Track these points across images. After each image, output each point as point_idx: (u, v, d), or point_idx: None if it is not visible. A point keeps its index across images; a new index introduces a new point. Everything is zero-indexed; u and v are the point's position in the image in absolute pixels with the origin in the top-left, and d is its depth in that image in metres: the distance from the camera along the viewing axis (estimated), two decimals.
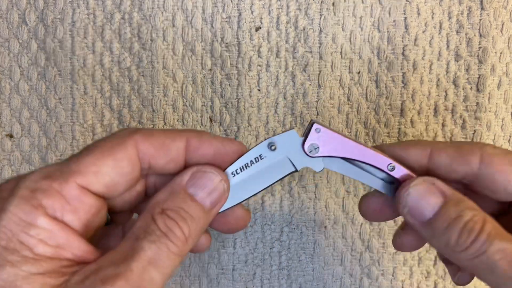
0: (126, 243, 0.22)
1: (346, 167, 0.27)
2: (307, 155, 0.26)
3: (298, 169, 0.26)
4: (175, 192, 0.24)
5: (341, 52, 0.36)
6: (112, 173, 0.23)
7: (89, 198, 0.23)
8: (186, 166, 0.25)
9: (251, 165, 0.26)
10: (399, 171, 0.26)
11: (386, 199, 0.27)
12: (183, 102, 0.37)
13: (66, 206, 0.22)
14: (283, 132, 0.26)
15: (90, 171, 0.23)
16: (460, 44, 0.36)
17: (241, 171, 0.26)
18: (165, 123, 0.37)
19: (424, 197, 0.25)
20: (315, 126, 0.26)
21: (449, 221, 0.24)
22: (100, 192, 0.23)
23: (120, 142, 0.24)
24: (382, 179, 0.27)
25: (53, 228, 0.21)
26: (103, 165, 0.23)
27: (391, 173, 0.26)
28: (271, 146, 0.26)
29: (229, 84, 0.37)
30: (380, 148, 0.27)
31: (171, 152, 0.25)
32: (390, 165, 0.26)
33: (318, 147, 0.26)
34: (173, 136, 0.25)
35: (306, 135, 0.26)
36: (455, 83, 0.37)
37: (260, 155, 0.26)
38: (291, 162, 0.26)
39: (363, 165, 0.27)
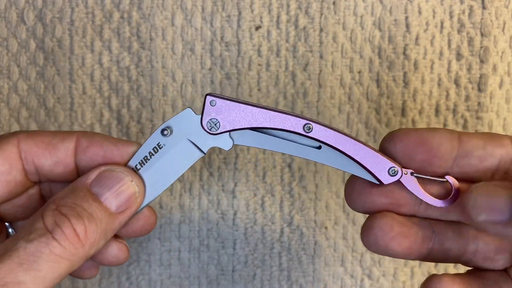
0: (1, 245, 0.20)
1: (262, 140, 0.23)
2: (209, 133, 0.23)
3: (205, 152, 0.24)
4: (76, 190, 0.21)
5: (341, 51, 0.36)
6: None
7: None
8: (77, 171, 0.23)
9: (151, 157, 0.23)
10: (319, 131, 0.22)
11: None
12: (183, 101, 0.37)
13: None
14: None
15: None
16: (462, 43, 0.36)
17: (142, 166, 0.23)
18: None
19: (491, 197, 0.21)
20: (208, 98, 0.23)
21: None
22: None
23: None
24: (309, 146, 0.23)
25: None
26: None
27: (309, 134, 0.22)
28: (165, 132, 0.23)
29: (229, 84, 0.36)
30: (401, 134, 0.23)
31: (59, 153, 0.23)
32: (307, 125, 0.22)
33: (218, 122, 0.23)
34: (61, 136, 0.23)
35: (202, 111, 0.23)
36: (456, 82, 0.36)
37: (158, 144, 0.23)
38: (195, 145, 0.23)
39: (279, 133, 0.23)
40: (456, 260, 0.25)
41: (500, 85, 0.36)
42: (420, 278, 0.37)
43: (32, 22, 0.36)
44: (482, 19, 0.36)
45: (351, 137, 0.23)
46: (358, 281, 0.38)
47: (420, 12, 0.36)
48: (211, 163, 0.37)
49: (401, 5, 0.36)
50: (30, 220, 0.20)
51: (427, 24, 0.36)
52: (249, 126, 0.23)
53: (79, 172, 0.23)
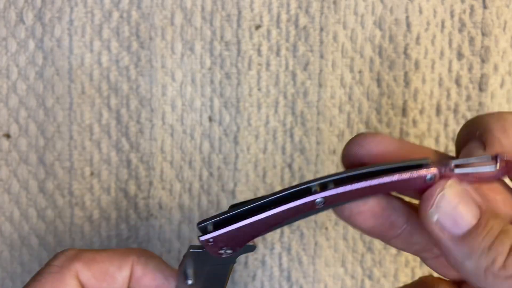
0: None
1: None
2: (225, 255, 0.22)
3: (234, 261, 0.23)
4: None
5: (342, 51, 0.36)
6: None
7: None
8: None
9: None
10: (332, 199, 0.21)
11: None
12: (182, 101, 0.37)
13: None
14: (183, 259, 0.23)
15: None
16: (463, 43, 0.36)
17: None
18: (163, 123, 0.37)
19: (460, 203, 0.19)
20: (203, 240, 0.21)
21: (493, 237, 0.18)
22: None
23: (60, 278, 0.21)
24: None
25: None
26: None
27: (323, 207, 0.21)
28: (186, 279, 0.23)
29: (229, 84, 0.36)
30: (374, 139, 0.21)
31: (116, 284, 0.22)
32: (317, 201, 0.21)
33: (225, 250, 0.22)
34: (118, 262, 0.22)
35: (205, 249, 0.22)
36: (457, 82, 0.36)
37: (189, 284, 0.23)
38: (219, 264, 0.23)
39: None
40: (415, 254, 0.23)
41: (501, 85, 0.36)
42: None
43: (31, 21, 0.36)
44: (483, 18, 0.36)
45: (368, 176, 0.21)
46: (358, 282, 0.37)
47: (421, 12, 0.36)
48: (210, 163, 0.37)
49: (402, 5, 0.36)
50: None
51: (428, 23, 0.36)
52: (258, 236, 0.22)
53: None
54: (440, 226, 0.19)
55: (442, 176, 0.20)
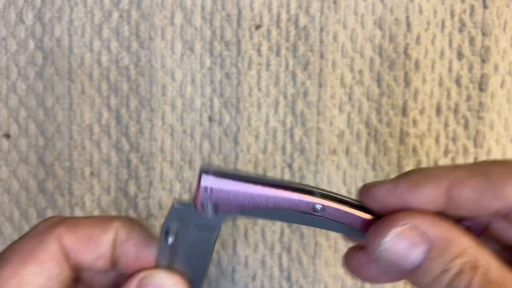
0: None
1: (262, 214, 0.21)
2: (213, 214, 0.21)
3: (220, 226, 0.22)
4: None
5: (342, 51, 0.36)
6: (39, 279, 0.20)
7: None
8: (112, 262, 0.22)
9: (175, 252, 0.22)
10: (331, 212, 0.21)
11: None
12: (182, 101, 0.36)
13: None
14: (168, 213, 0.22)
15: (11, 285, 0.20)
16: (463, 43, 0.36)
17: (172, 261, 0.22)
18: (163, 123, 0.37)
19: (404, 250, 0.20)
20: (203, 184, 0.20)
21: (434, 277, 0.19)
22: None
23: (41, 240, 0.21)
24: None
25: None
26: (26, 274, 0.20)
27: (319, 214, 0.21)
28: (169, 238, 0.22)
29: (229, 83, 0.36)
30: (376, 191, 0.21)
31: (100, 247, 0.22)
32: (318, 205, 0.21)
33: (214, 208, 0.21)
34: (102, 226, 0.22)
35: (195, 198, 0.21)
36: (457, 82, 0.36)
37: (171, 244, 0.22)
38: (205, 225, 0.22)
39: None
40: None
41: (502, 85, 0.36)
42: None
43: (31, 21, 0.36)
44: (483, 18, 0.36)
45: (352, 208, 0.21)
46: (358, 282, 0.37)
47: (421, 12, 0.36)
48: (210, 163, 0.37)
49: (402, 4, 0.36)
50: None
51: (428, 23, 0.36)
52: (249, 213, 0.21)
53: (112, 261, 0.22)
54: (388, 268, 0.20)
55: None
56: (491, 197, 0.19)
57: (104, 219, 0.22)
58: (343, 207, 0.21)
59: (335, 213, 0.21)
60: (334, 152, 0.37)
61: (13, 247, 0.21)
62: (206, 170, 0.21)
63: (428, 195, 0.20)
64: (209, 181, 0.20)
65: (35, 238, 0.21)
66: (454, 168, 0.20)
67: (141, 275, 0.21)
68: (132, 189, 0.37)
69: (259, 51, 0.36)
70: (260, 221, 0.37)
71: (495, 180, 0.19)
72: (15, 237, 0.37)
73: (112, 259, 0.22)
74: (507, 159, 0.19)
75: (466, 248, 0.19)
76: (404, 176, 0.21)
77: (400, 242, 0.20)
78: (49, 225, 0.21)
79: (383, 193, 0.21)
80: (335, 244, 0.37)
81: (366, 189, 0.21)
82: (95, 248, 0.21)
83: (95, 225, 0.22)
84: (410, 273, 0.20)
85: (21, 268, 0.20)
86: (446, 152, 0.37)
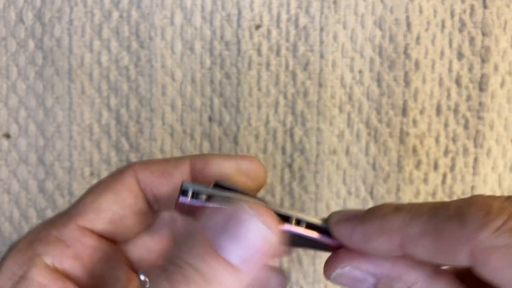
0: None
1: None
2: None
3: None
4: (195, 243, 0.18)
5: (342, 51, 0.36)
6: (113, 206, 0.22)
7: (91, 240, 0.21)
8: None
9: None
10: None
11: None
12: (182, 101, 0.36)
13: (66, 251, 0.20)
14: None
15: (89, 210, 0.21)
16: (463, 43, 0.36)
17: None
18: (163, 123, 0.37)
19: (352, 282, 0.21)
20: (181, 200, 0.21)
21: None
22: (105, 230, 0.21)
23: (118, 175, 0.22)
24: None
25: (46, 279, 0.19)
26: (102, 201, 0.22)
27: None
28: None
29: (229, 83, 0.36)
30: (337, 228, 0.21)
31: (175, 179, 0.22)
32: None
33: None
34: (175, 162, 0.23)
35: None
36: (457, 82, 0.36)
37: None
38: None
39: None
40: None
41: (502, 85, 0.36)
42: None
43: (31, 21, 0.36)
44: (483, 18, 0.36)
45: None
46: None
47: (421, 12, 0.36)
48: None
49: (402, 4, 0.36)
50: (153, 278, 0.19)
51: (428, 23, 0.36)
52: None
53: None
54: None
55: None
56: (443, 258, 0.18)
57: (178, 158, 0.23)
58: (312, 233, 0.22)
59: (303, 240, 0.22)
60: (334, 152, 0.37)
61: (98, 182, 0.23)
62: (185, 189, 0.21)
63: (382, 248, 0.19)
64: (185, 200, 0.21)
65: (115, 174, 0.23)
66: (410, 219, 0.19)
67: (229, 208, 0.19)
68: None
69: (259, 51, 0.36)
70: None
71: (448, 243, 0.18)
72: (15, 237, 0.37)
73: None
74: (473, 196, 0.18)
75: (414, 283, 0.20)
76: (361, 222, 0.20)
77: (345, 278, 0.21)
78: (126, 166, 0.23)
79: (342, 236, 0.21)
80: None
81: (333, 219, 0.22)
82: (170, 180, 0.22)
83: (168, 162, 0.23)
84: None
85: (99, 196, 0.22)
86: (446, 152, 0.37)
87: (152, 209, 0.23)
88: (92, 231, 0.21)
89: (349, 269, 0.21)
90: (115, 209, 0.22)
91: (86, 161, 0.37)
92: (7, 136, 0.37)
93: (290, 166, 0.37)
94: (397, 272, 0.20)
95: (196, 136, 0.37)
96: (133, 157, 0.37)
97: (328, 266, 0.22)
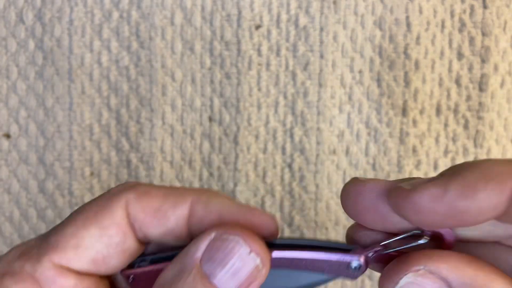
0: None
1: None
2: None
3: None
4: (184, 271, 0.18)
5: (342, 51, 0.36)
6: (97, 245, 0.19)
7: (68, 280, 0.19)
8: (191, 237, 0.20)
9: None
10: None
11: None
12: (182, 101, 0.36)
13: None
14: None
15: (69, 245, 0.19)
16: (463, 43, 0.36)
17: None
18: (163, 123, 0.36)
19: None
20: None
21: None
22: (85, 269, 0.19)
23: (107, 204, 0.19)
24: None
25: None
26: (85, 236, 0.19)
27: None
28: None
29: (229, 83, 0.36)
30: (418, 199, 0.16)
31: (168, 223, 0.20)
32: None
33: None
34: (173, 200, 0.20)
35: None
36: (457, 82, 0.36)
37: None
38: None
39: None
40: None
41: (501, 85, 0.36)
42: None
43: (31, 21, 0.36)
44: (483, 18, 0.36)
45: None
46: (358, 282, 0.37)
47: (421, 12, 0.36)
48: (210, 163, 0.37)
49: (402, 5, 0.36)
50: None
51: (428, 23, 0.36)
52: None
53: (192, 237, 0.20)
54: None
55: (369, 261, 0.19)
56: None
57: (179, 192, 0.20)
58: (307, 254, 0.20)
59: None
60: (334, 152, 0.37)
61: (83, 207, 0.20)
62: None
63: (489, 202, 0.15)
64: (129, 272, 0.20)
65: (103, 201, 0.20)
66: None
67: (214, 232, 0.18)
68: None
69: (259, 51, 0.36)
70: None
71: None
72: (15, 237, 0.37)
73: (190, 234, 0.20)
74: None
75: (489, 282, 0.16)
76: (451, 177, 0.16)
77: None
78: (120, 189, 0.20)
79: (428, 201, 0.16)
80: None
81: (398, 194, 0.17)
82: (162, 222, 0.20)
83: (166, 197, 0.20)
84: None
85: (82, 229, 0.19)
86: (446, 152, 0.37)
87: (142, 244, 0.21)
88: (69, 269, 0.19)
89: (421, 274, 0.17)
90: (99, 248, 0.19)
91: (86, 161, 0.37)
92: (7, 136, 0.37)
93: (290, 166, 0.37)
94: (480, 280, 0.16)
95: (196, 136, 0.37)
96: (133, 157, 0.37)
97: (392, 273, 0.18)
